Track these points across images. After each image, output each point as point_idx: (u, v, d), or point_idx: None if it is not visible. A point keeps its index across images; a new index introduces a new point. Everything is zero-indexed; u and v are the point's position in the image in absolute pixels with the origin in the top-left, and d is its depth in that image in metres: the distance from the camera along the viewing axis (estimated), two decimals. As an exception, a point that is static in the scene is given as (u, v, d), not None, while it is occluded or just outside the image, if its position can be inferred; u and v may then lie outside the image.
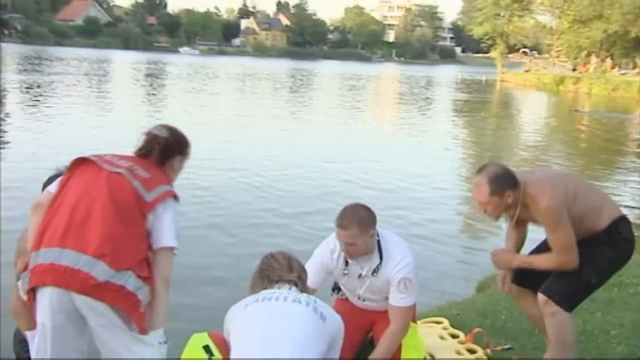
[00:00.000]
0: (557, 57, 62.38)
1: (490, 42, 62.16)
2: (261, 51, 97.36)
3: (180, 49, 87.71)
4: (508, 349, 3.82)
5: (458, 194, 10.59)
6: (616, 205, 3.40)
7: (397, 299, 3.36)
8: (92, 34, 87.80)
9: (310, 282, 3.32)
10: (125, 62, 52.28)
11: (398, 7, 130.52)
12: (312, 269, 3.39)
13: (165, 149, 2.74)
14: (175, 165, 2.81)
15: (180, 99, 25.33)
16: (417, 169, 12.77)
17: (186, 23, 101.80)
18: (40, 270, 2.37)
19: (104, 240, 2.38)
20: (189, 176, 9.75)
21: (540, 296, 3.22)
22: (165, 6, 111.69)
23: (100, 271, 2.33)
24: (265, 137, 15.49)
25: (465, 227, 8.61)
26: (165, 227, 2.54)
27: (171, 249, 2.57)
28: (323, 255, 3.44)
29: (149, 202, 2.50)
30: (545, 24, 62.65)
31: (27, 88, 24.41)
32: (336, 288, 3.72)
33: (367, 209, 3.30)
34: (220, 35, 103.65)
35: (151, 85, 31.46)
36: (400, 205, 9.23)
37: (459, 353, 3.76)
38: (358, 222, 3.19)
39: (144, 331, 2.46)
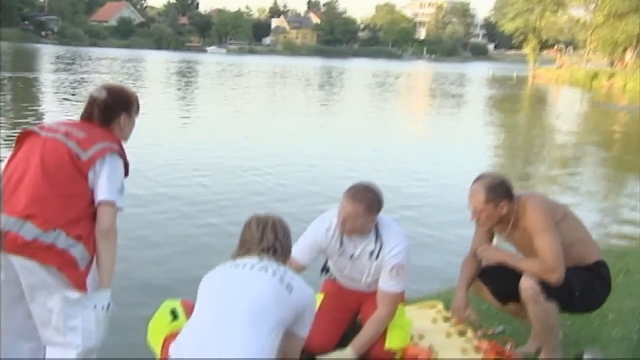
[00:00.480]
0: (593, 52, 61.03)
1: (521, 37, 61.20)
2: (291, 50, 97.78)
3: (208, 48, 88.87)
4: (500, 332, 3.79)
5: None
6: (599, 248, 3.46)
7: (388, 285, 3.36)
8: (126, 34, 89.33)
9: (301, 258, 3.36)
10: (157, 61, 52.99)
11: (429, 4, 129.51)
12: (305, 245, 3.44)
13: (106, 109, 2.76)
14: (122, 123, 2.81)
15: (211, 95, 25.58)
16: (438, 167, 12.66)
17: (217, 23, 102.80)
18: None
19: (30, 202, 2.44)
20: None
21: (526, 282, 3.16)
22: (197, 6, 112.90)
23: (27, 230, 2.41)
24: (288, 133, 15.55)
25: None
26: (103, 182, 2.56)
27: (108, 202, 2.56)
28: (317, 233, 3.45)
29: (85, 160, 2.53)
30: (579, 18, 61.36)
31: (61, 86, 24.93)
32: (324, 269, 3.74)
33: (379, 192, 3.33)
34: (251, 34, 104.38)
35: (183, 83, 31.86)
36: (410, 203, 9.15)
37: (449, 335, 3.74)
38: (368, 202, 3.23)
39: (82, 288, 2.51)
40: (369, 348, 3.37)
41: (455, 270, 5.57)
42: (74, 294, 2.52)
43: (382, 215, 3.42)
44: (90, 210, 2.55)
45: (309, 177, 10.05)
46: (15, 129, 12.73)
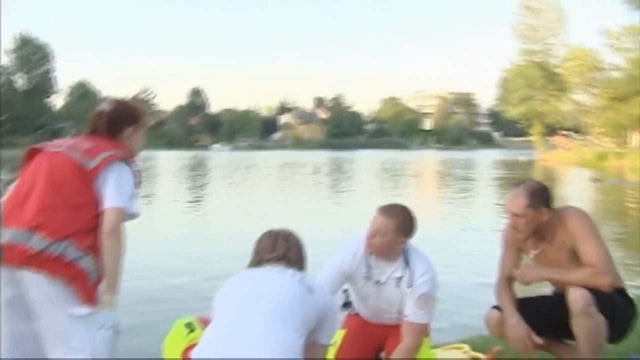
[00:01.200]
0: (598, 137, 61.66)
1: (527, 123, 62.15)
2: (300, 144, 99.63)
3: (213, 146, 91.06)
4: (532, 366, 3.57)
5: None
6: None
7: (414, 315, 3.24)
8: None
9: (327, 287, 3.24)
10: (168, 159, 54.08)
11: (433, 96, 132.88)
12: (331, 270, 3.34)
13: (112, 122, 2.75)
14: (130, 136, 2.78)
15: (221, 190, 25.87)
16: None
17: (227, 122, 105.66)
18: None
19: (38, 212, 2.43)
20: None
21: (580, 292, 2.92)
22: (207, 107, 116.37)
23: (36, 241, 2.38)
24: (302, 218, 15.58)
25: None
26: (108, 189, 2.52)
27: (114, 207, 2.49)
28: (344, 257, 3.35)
29: (91, 168, 2.51)
30: (582, 103, 62.53)
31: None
32: (345, 304, 3.61)
33: (413, 217, 3.25)
34: (259, 131, 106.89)
35: (194, 177, 32.34)
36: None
37: (478, 372, 3.54)
38: (400, 219, 3.16)
39: (91, 301, 2.44)
40: (395, 381, 3.20)
41: (477, 322, 5.41)
42: (81, 311, 2.43)
43: (412, 243, 3.34)
44: (100, 221, 2.50)
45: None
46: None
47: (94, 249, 2.45)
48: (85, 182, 2.50)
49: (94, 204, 2.50)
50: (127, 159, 2.66)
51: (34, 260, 2.37)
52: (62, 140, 2.74)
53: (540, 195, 3.12)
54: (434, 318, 3.33)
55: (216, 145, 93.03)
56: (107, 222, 2.46)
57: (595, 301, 2.91)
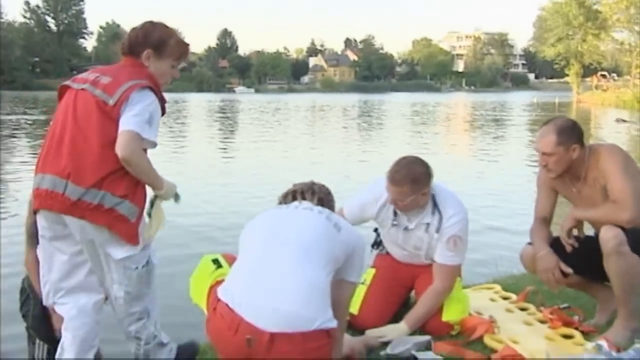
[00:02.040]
0: (639, 77, 59.57)
1: (563, 63, 60.38)
2: (330, 87, 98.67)
3: (236, 89, 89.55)
4: (565, 307, 3.52)
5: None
6: None
7: (445, 257, 3.18)
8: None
9: (348, 213, 3.24)
10: (198, 101, 54.16)
11: (467, 37, 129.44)
12: (355, 205, 3.31)
13: (131, 43, 2.65)
14: (150, 61, 2.64)
15: (250, 131, 25.91)
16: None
17: (256, 64, 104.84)
18: (33, 195, 2.56)
19: (69, 159, 2.43)
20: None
21: (612, 231, 2.83)
22: (236, 49, 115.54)
23: (71, 190, 2.41)
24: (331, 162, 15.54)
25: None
26: (125, 115, 2.45)
27: (127, 131, 2.42)
28: (366, 201, 3.31)
29: (112, 105, 2.45)
30: (622, 41, 60.24)
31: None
32: (376, 243, 3.58)
33: (424, 164, 3.14)
34: (289, 74, 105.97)
35: (226, 121, 32.41)
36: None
37: (509, 310, 3.51)
38: (411, 180, 3.04)
39: (133, 241, 2.50)
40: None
41: (509, 261, 5.35)
42: (117, 254, 2.51)
43: (439, 185, 3.25)
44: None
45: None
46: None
47: (129, 193, 2.46)
48: (109, 120, 2.45)
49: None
50: (149, 86, 2.53)
51: (75, 209, 2.41)
52: (87, 74, 2.64)
53: (571, 132, 3.00)
54: (464, 259, 3.27)
55: (240, 88, 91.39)
56: (118, 149, 2.40)
57: (630, 241, 2.82)
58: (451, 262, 3.19)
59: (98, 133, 2.44)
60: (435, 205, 3.18)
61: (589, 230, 3.18)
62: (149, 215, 2.64)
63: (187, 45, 2.74)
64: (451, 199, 3.23)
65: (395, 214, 3.27)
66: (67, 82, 2.67)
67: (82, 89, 2.55)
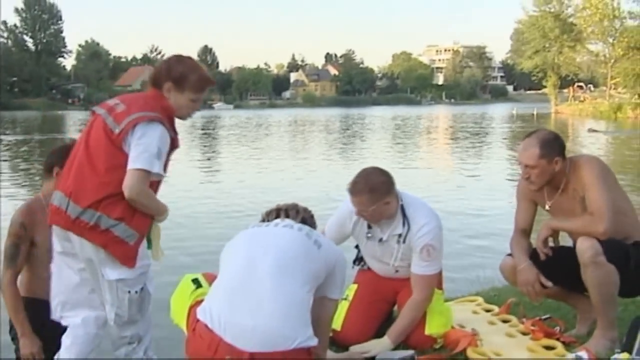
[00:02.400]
0: (614, 88, 60.51)
1: (541, 75, 61.16)
2: (311, 102, 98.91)
3: (215, 105, 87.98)
4: (546, 318, 3.54)
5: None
6: None
7: (420, 267, 3.19)
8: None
9: (329, 236, 3.21)
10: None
11: (445, 50, 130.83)
12: (332, 226, 3.32)
13: (156, 75, 2.73)
14: (169, 93, 2.70)
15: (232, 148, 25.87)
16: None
17: (237, 80, 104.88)
18: (48, 210, 2.74)
19: (73, 179, 2.56)
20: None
21: (588, 242, 2.87)
22: (217, 65, 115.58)
23: (72, 208, 2.52)
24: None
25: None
26: (132, 152, 2.51)
27: (136, 170, 2.49)
28: (341, 217, 3.33)
29: (117, 133, 2.53)
30: (597, 52, 61.26)
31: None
32: (357, 259, 3.57)
33: (384, 173, 3.16)
34: (270, 89, 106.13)
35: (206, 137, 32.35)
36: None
37: (492, 323, 3.51)
38: (369, 190, 3.05)
39: (128, 263, 2.55)
40: (409, 334, 3.18)
41: (491, 272, 5.37)
42: (110, 275, 2.56)
43: (409, 195, 3.27)
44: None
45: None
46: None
47: (126, 217, 2.51)
48: (114, 147, 2.53)
49: (121, 168, 2.52)
50: (158, 118, 2.58)
51: (74, 226, 2.52)
52: (111, 99, 2.75)
53: (553, 145, 3.03)
54: (440, 267, 3.26)
55: (219, 104, 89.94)
56: (125, 188, 2.47)
57: (606, 251, 2.85)
58: (427, 272, 3.18)
59: (103, 158, 2.54)
60: (404, 215, 3.19)
61: (568, 241, 3.21)
62: (149, 240, 2.67)
63: (210, 80, 2.81)
64: (421, 208, 3.23)
65: (369, 227, 3.27)
66: (95, 107, 2.78)
67: (98, 114, 2.67)
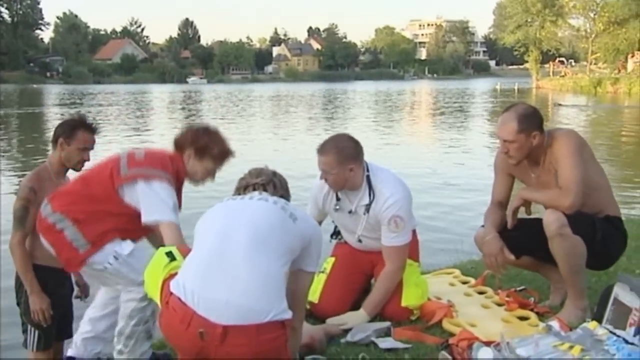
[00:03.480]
0: (595, 63, 60.83)
1: (522, 49, 61.24)
2: (294, 76, 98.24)
3: (189, 79, 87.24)
4: (521, 289, 3.59)
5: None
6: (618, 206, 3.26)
7: (389, 239, 3.21)
8: (129, 70, 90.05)
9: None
10: (160, 93, 53.42)
11: (428, 25, 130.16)
12: (309, 204, 3.36)
13: (178, 139, 2.91)
14: (187, 159, 2.87)
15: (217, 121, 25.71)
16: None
17: (219, 54, 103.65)
18: None
19: (60, 191, 2.83)
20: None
21: (553, 215, 2.92)
22: (198, 39, 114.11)
23: (46, 210, 2.78)
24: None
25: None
26: (142, 206, 2.70)
27: (161, 223, 2.68)
28: (316, 191, 3.34)
29: (121, 176, 2.72)
30: (578, 27, 61.42)
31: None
32: (335, 233, 3.58)
33: (353, 140, 3.17)
34: (253, 63, 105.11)
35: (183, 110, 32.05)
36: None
37: (467, 294, 3.56)
38: (336, 151, 3.06)
39: (69, 268, 2.83)
40: (385, 306, 3.22)
41: (470, 246, 5.43)
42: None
43: (377, 166, 3.27)
44: (111, 214, 2.73)
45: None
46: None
47: (80, 221, 2.69)
48: (109, 181, 2.73)
49: (105, 202, 2.73)
50: (167, 179, 2.74)
51: (40, 226, 2.79)
52: (138, 149, 2.92)
53: (531, 119, 3.04)
54: (409, 237, 3.25)
55: (193, 78, 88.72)
56: (164, 240, 2.65)
57: (572, 224, 2.90)
58: (396, 243, 3.20)
59: (95, 186, 2.77)
60: (370, 186, 3.19)
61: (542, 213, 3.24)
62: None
63: (230, 154, 2.96)
64: (388, 180, 3.23)
65: (337, 199, 3.28)
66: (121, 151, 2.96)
67: (119, 155, 2.86)
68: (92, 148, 3.26)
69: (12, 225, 3.11)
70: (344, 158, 3.06)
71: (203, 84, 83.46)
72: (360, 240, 3.36)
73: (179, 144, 2.90)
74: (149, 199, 2.69)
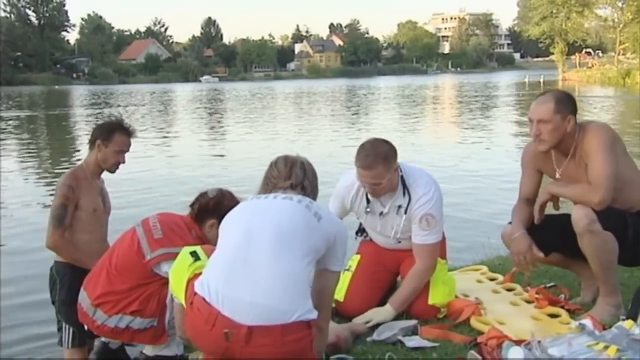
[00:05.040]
0: (623, 54, 59.61)
1: (548, 41, 60.34)
2: (316, 73, 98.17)
3: (202, 78, 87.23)
4: (551, 286, 3.52)
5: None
6: None
7: (421, 237, 3.16)
8: (153, 70, 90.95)
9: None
10: (183, 91, 53.81)
11: (451, 18, 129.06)
12: (334, 204, 3.29)
13: (203, 208, 2.83)
14: (207, 227, 2.82)
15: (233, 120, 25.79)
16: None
17: (242, 52, 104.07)
18: None
19: (102, 292, 2.76)
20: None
21: (582, 211, 2.84)
22: (221, 38, 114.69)
23: (98, 316, 2.75)
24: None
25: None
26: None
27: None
28: (343, 192, 3.29)
29: (147, 260, 2.70)
30: (606, 17, 60.28)
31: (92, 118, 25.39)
32: (360, 230, 3.54)
33: (386, 141, 3.12)
34: (275, 61, 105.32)
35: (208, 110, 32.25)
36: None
37: (496, 292, 3.49)
38: (382, 158, 3.00)
39: (159, 340, 2.77)
40: (411, 304, 3.17)
41: (497, 241, 5.35)
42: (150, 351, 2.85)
43: (408, 165, 3.23)
44: (155, 289, 2.74)
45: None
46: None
47: (138, 311, 2.72)
48: (141, 268, 2.72)
49: (146, 285, 2.74)
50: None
51: (99, 329, 2.80)
52: (151, 218, 2.85)
53: (567, 102, 2.96)
54: (441, 236, 3.22)
55: (206, 77, 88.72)
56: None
57: (602, 219, 2.81)
58: (427, 241, 3.15)
59: (128, 279, 2.74)
60: (404, 186, 3.14)
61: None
62: None
63: None
64: (420, 178, 3.18)
65: (368, 201, 3.23)
66: (136, 225, 2.88)
67: (134, 229, 2.83)
68: (128, 150, 3.33)
69: (49, 223, 3.18)
70: (390, 164, 3.02)
71: (216, 82, 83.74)
72: (399, 242, 3.30)
73: (201, 213, 2.85)
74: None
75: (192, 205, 2.85)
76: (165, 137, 18.43)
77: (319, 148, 14.40)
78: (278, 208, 2.24)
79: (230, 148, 15.87)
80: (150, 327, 2.72)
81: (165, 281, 2.62)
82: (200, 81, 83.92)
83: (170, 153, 14.97)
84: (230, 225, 2.28)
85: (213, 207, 2.79)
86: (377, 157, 2.98)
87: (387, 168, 3.00)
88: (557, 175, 3.09)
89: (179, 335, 2.68)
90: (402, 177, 3.15)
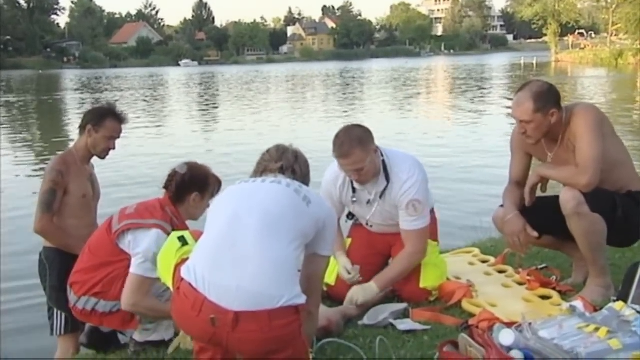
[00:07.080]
0: (615, 34, 59.46)
1: (541, 23, 60.14)
2: (309, 56, 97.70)
3: (181, 62, 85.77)
4: (543, 268, 3.52)
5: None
6: None
7: (408, 223, 3.13)
8: (145, 53, 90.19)
9: None
10: (174, 74, 53.45)
11: (444, 0, 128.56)
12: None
13: (180, 185, 2.77)
14: (192, 202, 2.79)
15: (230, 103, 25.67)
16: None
17: (234, 35, 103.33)
18: None
19: (74, 271, 2.79)
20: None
21: (570, 193, 2.84)
22: (213, 21, 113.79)
23: (72, 297, 2.77)
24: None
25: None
26: (134, 261, 2.61)
27: (134, 276, 2.61)
28: (329, 186, 3.26)
29: (113, 232, 2.67)
30: (598, -3, 60.00)
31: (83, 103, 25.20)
32: (350, 214, 3.51)
33: (360, 126, 3.10)
34: (268, 44, 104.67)
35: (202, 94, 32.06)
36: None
37: (488, 274, 3.49)
38: (358, 142, 2.95)
39: (128, 325, 2.74)
40: (403, 287, 3.16)
41: (489, 225, 5.34)
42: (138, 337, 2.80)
43: (390, 150, 3.20)
44: (120, 272, 2.68)
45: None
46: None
47: (101, 293, 2.70)
48: (109, 244, 2.70)
49: (113, 259, 2.69)
50: (158, 227, 2.65)
51: (75, 311, 2.80)
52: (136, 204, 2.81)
53: (547, 97, 2.92)
54: (428, 219, 3.17)
55: (186, 61, 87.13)
56: (123, 297, 2.61)
57: (590, 201, 2.81)
58: (416, 227, 3.12)
59: (100, 254, 2.73)
60: (386, 172, 3.11)
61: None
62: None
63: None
64: (403, 162, 3.15)
65: (353, 190, 3.21)
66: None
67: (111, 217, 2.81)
68: (118, 137, 3.29)
69: (38, 208, 3.14)
70: (368, 146, 2.97)
71: (195, 66, 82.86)
72: (370, 226, 3.30)
73: (182, 189, 2.81)
74: (132, 250, 2.66)
75: (167, 187, 2.80)
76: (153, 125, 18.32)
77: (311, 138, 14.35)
78: (266, 192, 2.21)
79: (218, 139, 15.78)
80: (116, 311, 2.68)
81: (129, 263, 2.62)
82: (179, 65, 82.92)
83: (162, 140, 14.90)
84: (217, 210, 2.25)
85: (189, 181, 2.78)
86: (353, 142, 2.94)
87: (364, 151, 2.96)
88: (549, 160, 3.07)
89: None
90: (383, 161, 3.11)
